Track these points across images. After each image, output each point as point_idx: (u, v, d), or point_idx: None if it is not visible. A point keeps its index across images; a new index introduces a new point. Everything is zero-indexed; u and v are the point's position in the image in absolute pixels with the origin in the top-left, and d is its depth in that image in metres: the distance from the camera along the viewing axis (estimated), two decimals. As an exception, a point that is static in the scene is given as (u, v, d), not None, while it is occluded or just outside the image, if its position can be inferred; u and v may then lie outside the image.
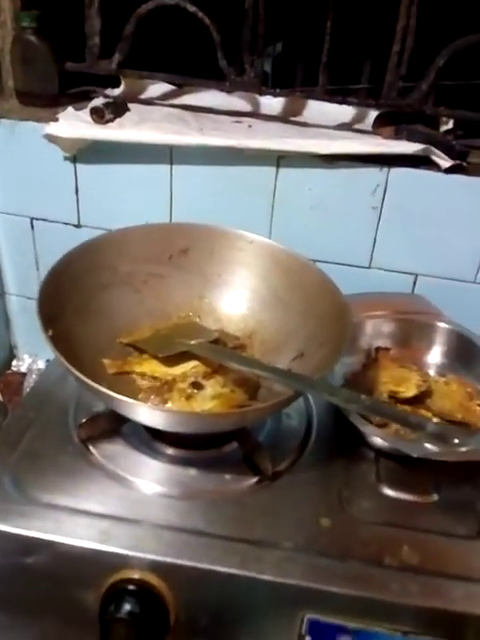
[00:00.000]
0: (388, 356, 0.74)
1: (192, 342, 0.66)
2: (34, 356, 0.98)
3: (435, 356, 0.76)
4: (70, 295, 0.64)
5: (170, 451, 0.62)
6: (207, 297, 0.74)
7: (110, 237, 0.71)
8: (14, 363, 0.99)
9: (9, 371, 0.98)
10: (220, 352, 0.65)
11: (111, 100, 0.84)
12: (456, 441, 0.43)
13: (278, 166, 0.78)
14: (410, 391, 0.66)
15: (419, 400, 0.67)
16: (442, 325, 0.76)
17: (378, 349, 0.75)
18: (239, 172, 0.80)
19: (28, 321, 0.96)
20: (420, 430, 0.45)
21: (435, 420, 0.46)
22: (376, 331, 0.76)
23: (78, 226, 0.87)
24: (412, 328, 0.76)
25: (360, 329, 0.75)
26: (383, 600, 0.50)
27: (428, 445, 0.53)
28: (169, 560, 0.52)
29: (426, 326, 0.76)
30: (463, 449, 0.43)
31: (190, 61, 0.89)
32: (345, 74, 0.94)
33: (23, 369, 0.98)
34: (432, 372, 0.74)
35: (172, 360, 0.67)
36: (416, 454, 0.52)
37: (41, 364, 0.98)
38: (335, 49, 0.78)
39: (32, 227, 0.88)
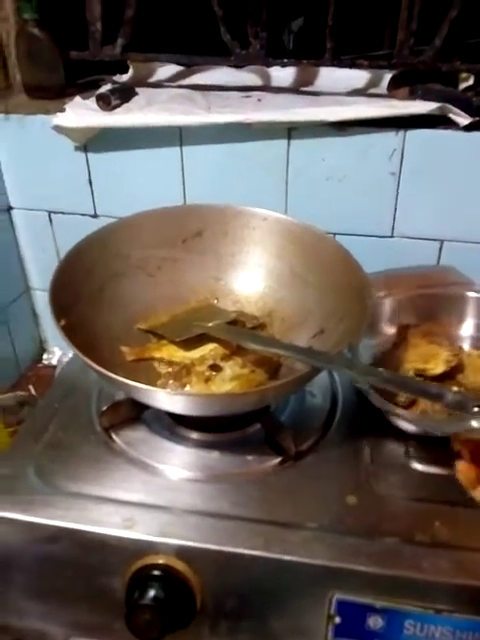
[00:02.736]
0: (418, 333, 0.70)
1: (209, 324, 0.65)
2: (64, 348, 0.99)
3: (468, 328, 0.72)
4: (83, 284, 0.64)
5: (193, 435, 0.62)
6: (223, 279, 0.72)
7: (121, 224, 0.70)
8: (45, 357, 1.00)
9: (40, 365, 0.99)
10: (237, 333, 0.64)
11: (118, 86, 0.83)
12: (476, 409, 0.41)
13: (289, 138, 0.76)
14: (438, 368, 0.63)
15: (450, 376, 0.64)
16: (473, 295, 0.72)
17: (406, 327, 0.71)
18: (250, 148, 0.78)
19: (55, 314, 0.97)
20: (439, 400, 0.43)
21: (455, 389, 0.44)
22: (405, 308, 0.72)
23: (95, 216, 0.87)
24: (442, 301, 0.73)
25: (388, 307, 0.72)
26: (414, 578, 0.49)
27: (455, 424, 0.50)
28: (193, 544, 0.51)
29: (456, 298, 0.72)
30: (485, 417, 0.41)
31: (199, 41, 0.87)
32: (364, 45, 0.90)
33: (54, 362, 0.99)
34: (467, 346, 0.70)
35: (190, 344, 0.66)
36: (440, 433, 0.49)
37: (71, 356, 0.98)
38: (354, 20, 0.74)
39: (50, 220, 0.89)
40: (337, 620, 0.49)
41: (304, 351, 0.56)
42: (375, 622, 0.49)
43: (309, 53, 0.81)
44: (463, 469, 0.46)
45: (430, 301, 0.73)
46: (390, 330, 0.72)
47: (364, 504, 0.54)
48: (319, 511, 0.54)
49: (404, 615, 0.48)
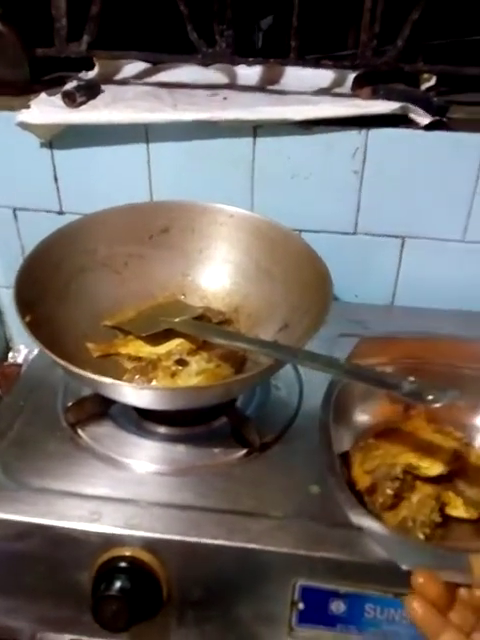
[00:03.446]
0: (424, 414, 0.62)
1: (175, 320, 0.66)
2: (30, 346, 0.99)
3: None
4: (49, 281, 0.64)
5: (159, 429, 0.62)
6: (190, 274, 0.73)
7: (87, 220, 0.70)
8: (10, 355, 0.99)
9: (6, 363, 0.98)
10: (202, 328, 0.64)
11: (83, 83, 0.83)
12: (430, 398, 0.42)
13: (255, 136, 0.77)
14: (434, 469, 0.56)
15: (447, 478, 0.57)
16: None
17: (413, 406, 0.63)
18: (216, 145, 0.78)
19: (21, 312, 0.96)
20: (396, 390, 0.45)
21: (411, 378, 0.45)
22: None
23: (61, 213, 0.87)
24: (460, 381, 0.64)
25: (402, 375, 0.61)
26: (373, 563, 0.50)
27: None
28: (158, 536, 0.52)
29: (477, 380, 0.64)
30: (438, 405, 0.42)
31: (165, 38, 0.87)
32: (330, 43, 0.92)
33: (19, 360, 0.98)
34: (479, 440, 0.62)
35: (157, 339, 0.66)
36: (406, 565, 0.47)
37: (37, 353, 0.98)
38: (322, 20, 0.75)
39: (15, 217, 0.88)
40: (301, 606, 0.51)
41: (268, 345, 0.58)
42: (337, 607, 0.50)
43: (278, 51, 0.82)
44: (424, 615, 0.39)
45: (448, 378, 0.64)
46: (393, 403, 0.64)
47: (327, 493, 0.55)
48: (283, 501, 0.55)
49: (364, 599, 0.50)
